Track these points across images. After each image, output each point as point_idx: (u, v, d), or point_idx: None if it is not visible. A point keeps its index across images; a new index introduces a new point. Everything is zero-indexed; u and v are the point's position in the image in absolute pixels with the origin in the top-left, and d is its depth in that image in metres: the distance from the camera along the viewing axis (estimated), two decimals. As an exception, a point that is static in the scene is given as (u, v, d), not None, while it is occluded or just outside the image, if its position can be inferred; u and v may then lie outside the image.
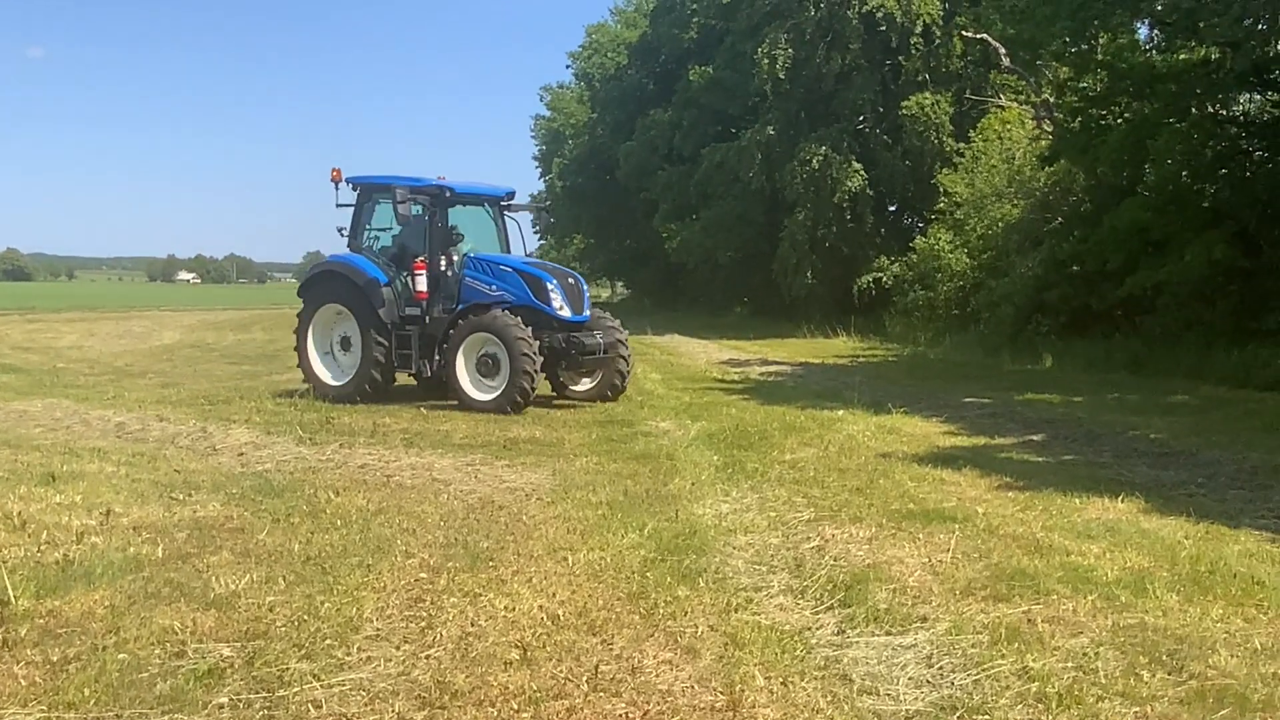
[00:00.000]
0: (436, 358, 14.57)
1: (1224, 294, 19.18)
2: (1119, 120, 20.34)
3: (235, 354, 25.92)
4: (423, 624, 5.56)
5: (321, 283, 15.67)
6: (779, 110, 36.22)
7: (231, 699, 4.61)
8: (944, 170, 30.48)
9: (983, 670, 4.88)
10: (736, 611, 5.79)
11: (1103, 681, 4.75)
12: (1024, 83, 30.09)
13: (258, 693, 4.69)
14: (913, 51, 34.20)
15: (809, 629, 5.55)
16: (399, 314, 14.80)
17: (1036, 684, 4.70)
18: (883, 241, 36.48)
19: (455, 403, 14.41)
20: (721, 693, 4.70)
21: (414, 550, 6.95)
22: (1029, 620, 5.54)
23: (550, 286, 14.43)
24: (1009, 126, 28.38)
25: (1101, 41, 20.79)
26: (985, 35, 28.03)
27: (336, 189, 15.42)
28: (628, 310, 53.10)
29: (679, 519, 7.88)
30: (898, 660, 5.08)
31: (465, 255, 14.96)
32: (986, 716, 4.42)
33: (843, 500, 8.49)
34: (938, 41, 33.90)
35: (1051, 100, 25.56)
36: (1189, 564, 6.51)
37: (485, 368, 14.12)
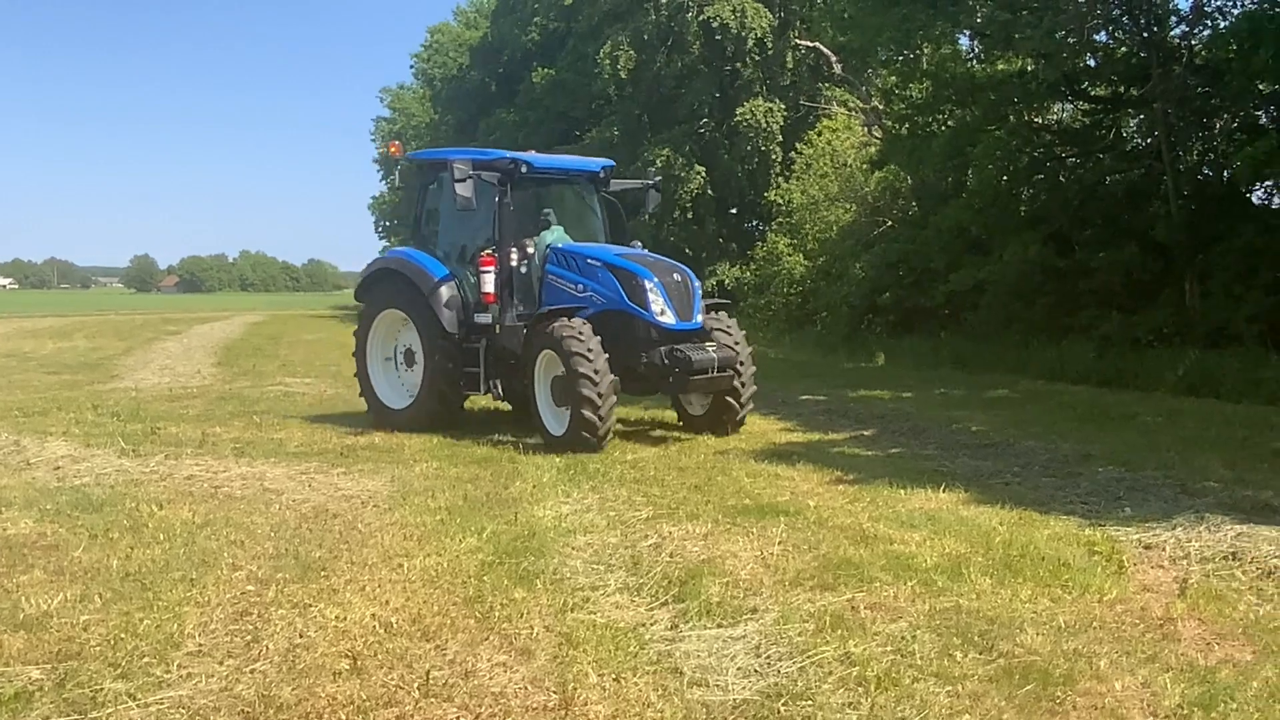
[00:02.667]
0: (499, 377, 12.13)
1: (1041, 292, 20.26)
2: (943, 127, 21.27)
3: (55, 363, 24.53)
4: (248, 638, 5.40)
5: (380, 284, 12.99)
6: (622, 112, 36.53)
7: (38, 725, 4.39)
8: (779, 178, 31.30)
9: (808, 657, 5.05)
10: (572, 611, 5.82)
11: (919, 663, 4.97)
12: (854, 91, 31.19)
13: (68, 715, 4.48)
14: (749, 59, 34.98)
15: (643, 625, 5.63)
16: (468, 321, 12.12)
17: (857, 668, 4.89)
18: (724, 244, 37.19)
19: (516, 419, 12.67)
20: (554, 692, 4.73)
21: (241, 563, 6.73)
22: (852, 607, 5.75)
23: (648, 285, 11.30)
24: (839, 133, 29.32)
25: (926, 51, 21.75)
26: (818, 44, 28.90)
27: (396, 167, 13.20)
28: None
29: (518, 521, 7.86)
30: (727, 651, 5.21)
31: (549, 247, 12.01)
32: (810, 702, 4.57)
33: (681, 498, 8.62)
34: (771, 51, 34.76)
35: (880, 108, 26.52)
36: (1002, 549, 6.87)
37: (558, 392, 11.22)
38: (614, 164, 13.22)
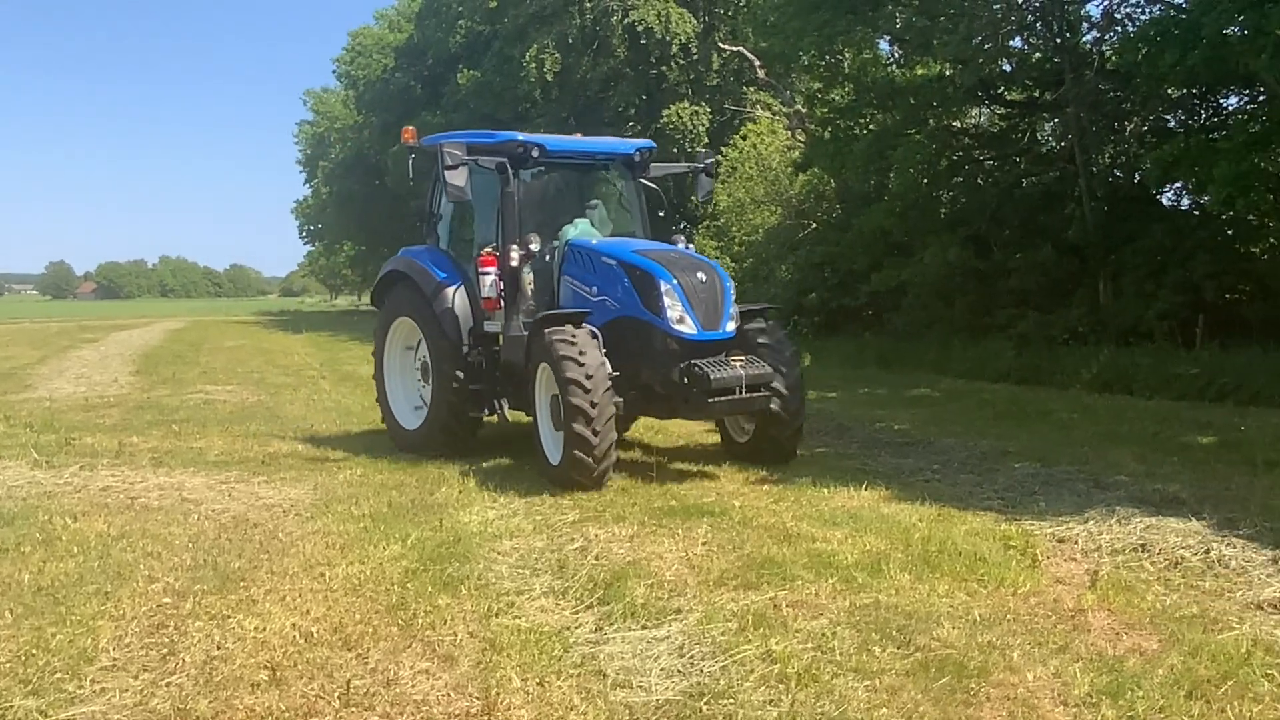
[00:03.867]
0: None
1: (961, 293, 20.69)
2: (864, 131, 21.61)
3: (-37, 374, 23.77)
4: (164, 650, 5.30)
5: (392, 288, 11.60)
6: (548, 115, 36.43)
7: (-58, 746, 4.27)
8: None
9: (730, 656, 5.10)
10: (497, 616, 5.81)
11: (838, 659, 5.05)
12: (778, 95, 31.52)
13: (-26, 737, 4.36)
14: (674, 63, 35.15)
15: (568, 629, 5.64)
16: (476, 330, 10.61)
17: (778, 665, 4.95)
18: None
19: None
20: (477, 698, 4.72)
21: (158, 575, 6.60)
22: (775, 606, 5.82)
23: (663, 287, 9.37)
24: (764, 137, 29.60)
25: (847, 56, 22.06)
26: (742, 48, 29.15)
27: (411, 157, 11.38)
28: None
29: (443, 527, 7.81)
30: (651, 652, 5.24)
31: (567, 244, 10.34)
32: (731, 700, 4.62)
33: (607, 500, 8.64)
34: (696, 55, 34.97)
35: (804, 111, 26.84)
36: (921, 545, 6.99)
37: (556, 414, 9.42)
38: (653, 145, 11.34)
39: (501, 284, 10.37)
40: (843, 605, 5.83)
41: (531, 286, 10.38)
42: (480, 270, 10.33)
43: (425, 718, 4.54)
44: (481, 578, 6.54)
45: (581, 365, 8.80)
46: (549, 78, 35.02)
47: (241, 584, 6.41)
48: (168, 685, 4.87)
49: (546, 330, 9.24)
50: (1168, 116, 19.74)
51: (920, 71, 21.91)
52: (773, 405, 9.61)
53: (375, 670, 5.05)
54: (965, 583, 6.22)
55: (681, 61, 35.01)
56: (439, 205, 11.32)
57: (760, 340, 9.89)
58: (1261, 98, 16.25)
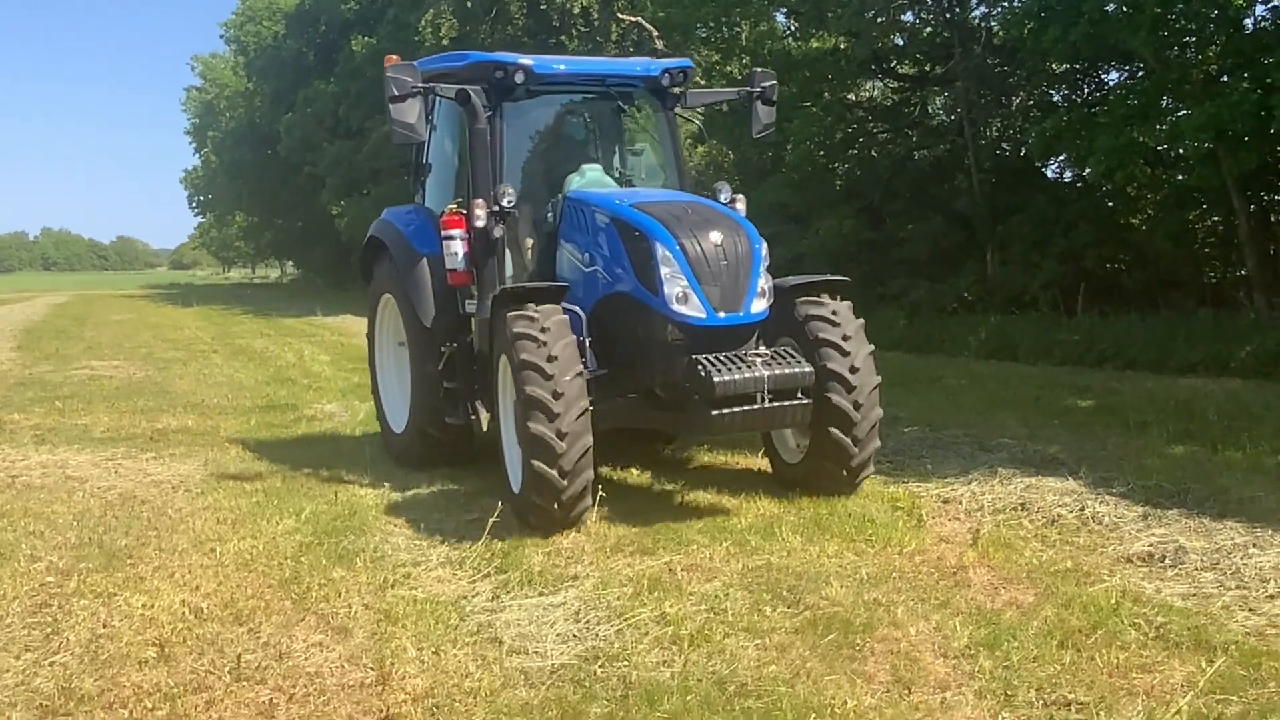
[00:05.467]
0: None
1: (855, 263, 21.05)
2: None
3: None
4: (47, 630, 5.19)
5: (376, 259, 9.38)
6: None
7: None
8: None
9: (625, 620, 5.18)
10: (393, 588, 5.81)
11: (730, 619, 5.17)
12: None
13: None
14: (574, 31, 34.92)
15: (465, 598, 5.66)
16: (452, 314, 8.37)
17: (672, 628, 5.05)
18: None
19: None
20: (372, 668, 4.72)
21: (41, 554, 6.43)
22: (670, 570, 5.92)
23: (660, 252, 6.96)
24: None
25: (744, 28, 22.19)
26: (640, 19, 29.08)
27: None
28: (298, 292, 51.21)
29: (339, 501, 7.75)
30: (548, 619, 5.30)
31: (565, 198, 7.99)
32: (625, 663, 4.70)
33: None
34: (597, 23, 34.79)
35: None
36: (812, 508, 7.16)
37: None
38: (689, 64, 8.68)
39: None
40: (736, 568, 5.96)
41: (529, 253, 8.20)
42: (444, 233, 8.09)
43: (319, 690, 4.52)
44: (378, 550, 6.51)
45: (542, 346, 6.59)
46: (445, 44, 34.47)
47: (129, 561, 6.28)
48: (51, 665, 4.77)
49: (507, 311, 6.98)
50: (1052, 91, 20.34)
51: (815, 45, 22.16)
52: (832, 430, 7.16)
53: (267, 644, 5.01)
54: (854, 543, 6.40)
55: (581, 30, 34.79)
56: (427, 153, 9.10)
57: (817, 328, 7.35)
58: (1140, 73, 16.84)
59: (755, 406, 6.76)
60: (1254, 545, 6.13)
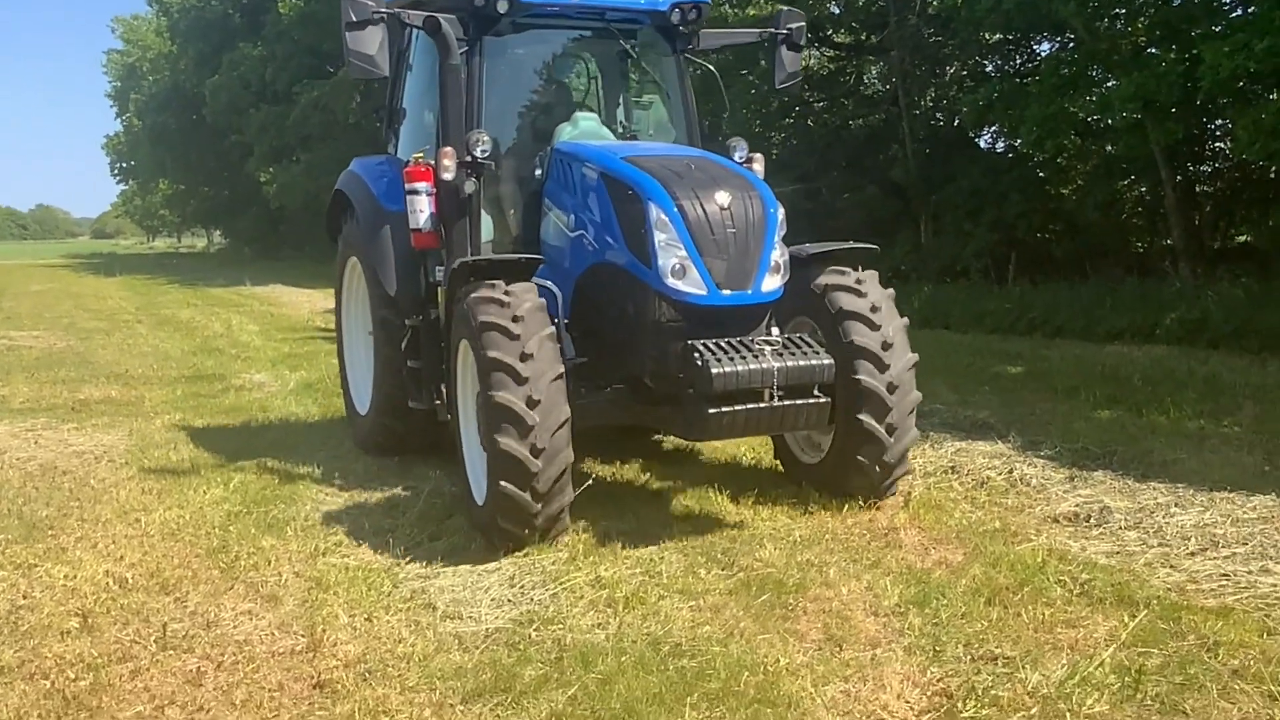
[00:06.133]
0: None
1: (792, 233, 20.97)
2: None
3: None
4: (-36, 603, 5.02)
5: (342, 216, 8.38)
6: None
7: None
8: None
9: (560, 584, 5.16)
10: (324, 556, 5.73)
11: (665, 582, 5.18)
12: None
13: None
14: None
15: (398, 565, 5.59)
16: (415, 283, 7.30)
17: (607, 591, 5.04)
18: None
19: None
20: (303, 635, 4.65)
21: (-45, 527, 6.23)
22: (605, 535, 5.90)
23: (654, 214, 5.90)
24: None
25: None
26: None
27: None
28: (226, 261, 50.22)
29: (269, 470, 7.60)
30: (481, 584, 5.27)
31: (554, 151, 6.90)
32: (560, 625, 4.69)
33: (437, 439, 8.54)
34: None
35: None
36: (751, 473, 7.20)
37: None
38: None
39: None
40: (671, 532, 5.96)
41: (512, 215, 7.19)
42: (407, 187, 6.92)
43: (248, 657, 4.44)
44: (308, 519, 6.41)
45: (515, 339, 5.49)
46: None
47: (50, 532, 6.12)
48: (-33, 638, 4.63)
49: (467, 287, 5.96)
50: (985, 61, 20.55)
51: (752, 12, 22.07)
52: (862, 417, 6.09)
53: (194, 613, 4.91)
54: (787, 507, 6.43)
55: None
56: (402, 96, 8.06)
57: (839, 299, 6.38)
58: (1071, 44, 17.06)
59: (762, 405, 5.71)
60: (1176, 505, 6.29)
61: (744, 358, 5.64)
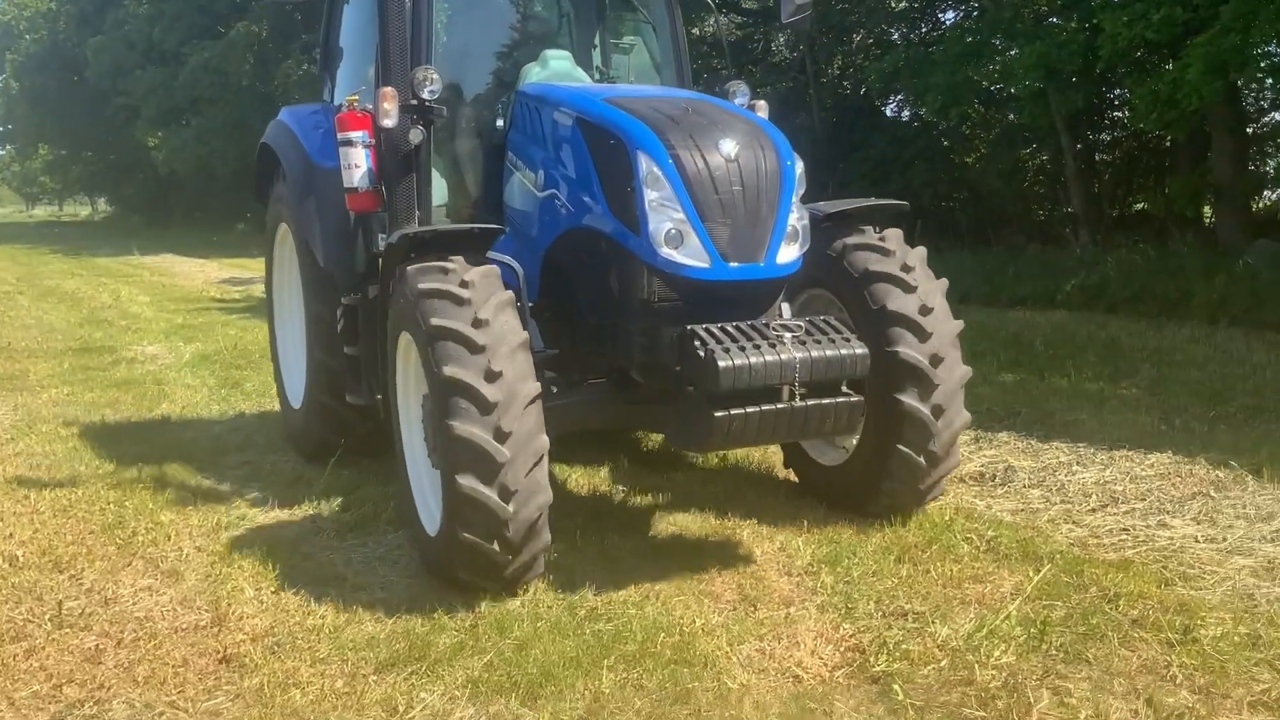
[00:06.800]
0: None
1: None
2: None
3: None
4: None
5: (269, 172, 7.09)
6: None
7: None
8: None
9: (473, 552, 5.07)
10: (227, 530, 5.56)
11: (580, 547, 5.12)
12: None
13: None
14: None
15: (306, 538, 5.46)
16: (353, 254, 6.11)
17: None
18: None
19: None
20: (206, 610, 4.51)
21: None
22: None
23: (644, 166, 4.65)
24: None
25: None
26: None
27: None
28: (112, 231, 48.36)
29: (166, 444, 7.35)
30: (392, 556, 5.19)
31: (518, 93, 5.72)
32: (474, 592, 4.60)
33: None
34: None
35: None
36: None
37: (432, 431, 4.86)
38: None
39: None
40: (586, 499, 5.94)
41: (470, 173, 6.10)
42: (339, 136, 5.62)
43: (150, 634, 4.28)
44: (210, 493, 6.22)
45: (480, 349, 4.33)
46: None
47: (-70, 512, 5.82)
48: None
49: (410, 266, 4.77)
50: (891, 29, 20.78)
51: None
52: (904, 399, 4.98)
53: (91, 590, 4.72)
54: (702, 471, 6.46)
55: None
56: (339, 32, 6.84)
57: (864, 259, 5.26)
58: (975, 12, 17.33)
59: (780, 405, 4.48)
60: (1077, 463, 6.48)
61: (757, 347, 4.43)
